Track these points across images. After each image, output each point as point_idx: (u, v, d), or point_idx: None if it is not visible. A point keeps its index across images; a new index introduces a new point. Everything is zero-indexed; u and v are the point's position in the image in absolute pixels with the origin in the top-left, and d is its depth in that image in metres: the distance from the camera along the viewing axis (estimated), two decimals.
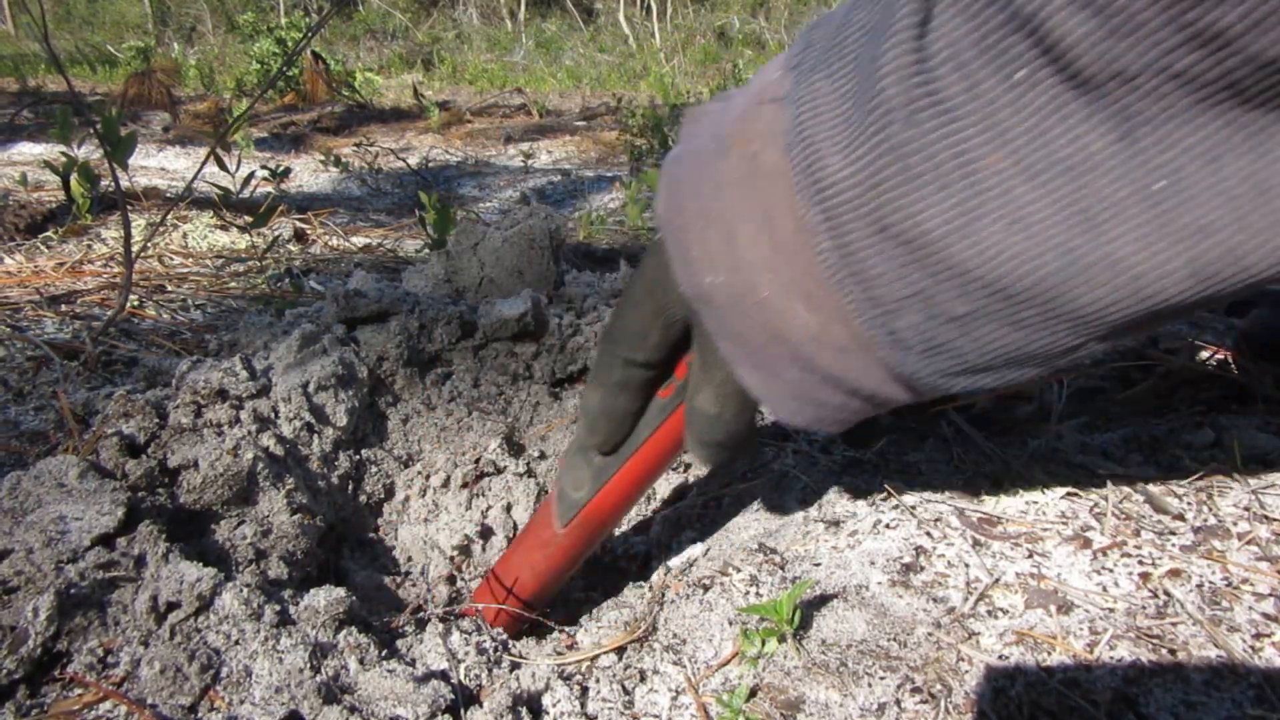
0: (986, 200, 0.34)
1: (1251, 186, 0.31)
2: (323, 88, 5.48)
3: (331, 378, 0.94)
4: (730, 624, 0.68)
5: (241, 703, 0.57)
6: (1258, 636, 0.62)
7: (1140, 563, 0.71)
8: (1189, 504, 0.79)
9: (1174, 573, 0.70)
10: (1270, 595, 0.66)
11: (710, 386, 0.53)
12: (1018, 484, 0.84)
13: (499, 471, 0.96)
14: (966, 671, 0.61)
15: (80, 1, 14.59)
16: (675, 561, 0.84)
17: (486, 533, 0.93)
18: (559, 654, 0.67)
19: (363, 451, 0.96)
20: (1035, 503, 0.81)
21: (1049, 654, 0.62)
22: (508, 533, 0.94)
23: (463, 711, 0.58)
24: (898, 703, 0.59)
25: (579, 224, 2.26)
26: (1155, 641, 0.62)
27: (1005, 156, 0.33)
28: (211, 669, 0.58)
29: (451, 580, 0.89)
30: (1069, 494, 0.81)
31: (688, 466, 1.01)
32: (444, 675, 0.62)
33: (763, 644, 0.64)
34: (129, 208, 1.75)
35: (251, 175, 2.15)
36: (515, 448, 1.01)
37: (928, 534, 0.77)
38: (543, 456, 1.01)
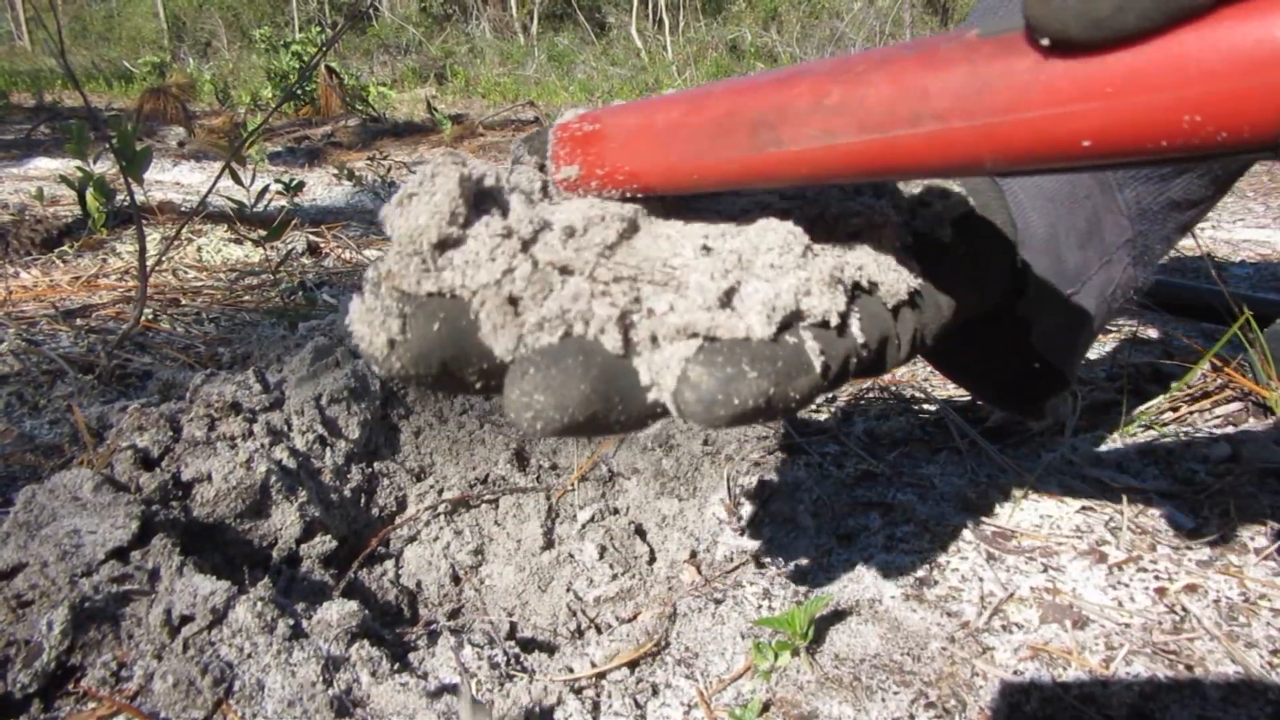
0: None
1: None
2: (337, 102, 5.53)
3: (344, 390, 0.94)
4: (743, 637, 0.67)
5: (254, 716, 0.57)
6: (1275, 652, 0.62)
7: (1156, 577, 0.71)
8: (1205, 518, 0.79)
9: (1190, 588, 0.69)
10: None
11: None
12: (1032, 498, 0.83)
13: (509, 484, 0.96)
14: (981, 686, 0.61)
15: (96, 17, 14.78)
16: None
17: (496, 545, 0.93)
18: (570, 668, 0.67)
19: (375, 464, 0.96)
20: (1050, 516, 0.80)
21: (1064, 669, 0.62)
22: (515, 544, 0.94)
23: None
24: (911, 718, 0.59)
25: None
26: (1172, 657, 0.62)
27: None
28: (224, 682, 0.58)
29: (462, 593, 0.89)
30: (1084, 508, 0.81)
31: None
32: (456, 689, 0.62)
33: (775, 657, 0.63)
34: (144, 222, 1.76)
35: (265, 189, 2.16)
36: (524, 461, 1.01)
37: (941, 548, 0.77)
38: (554, 468, 1.01)
